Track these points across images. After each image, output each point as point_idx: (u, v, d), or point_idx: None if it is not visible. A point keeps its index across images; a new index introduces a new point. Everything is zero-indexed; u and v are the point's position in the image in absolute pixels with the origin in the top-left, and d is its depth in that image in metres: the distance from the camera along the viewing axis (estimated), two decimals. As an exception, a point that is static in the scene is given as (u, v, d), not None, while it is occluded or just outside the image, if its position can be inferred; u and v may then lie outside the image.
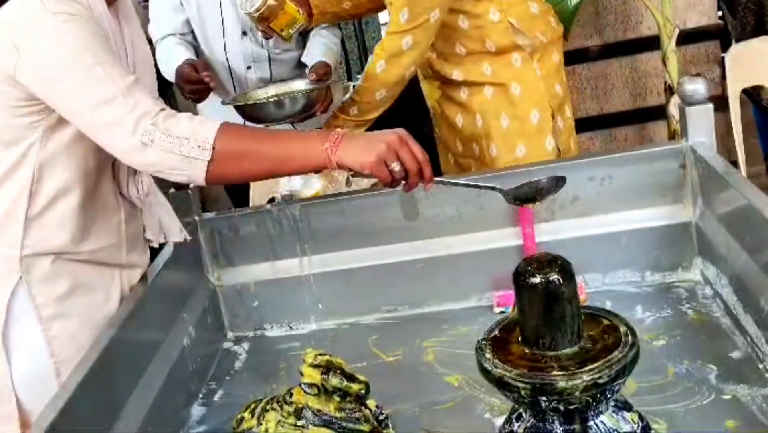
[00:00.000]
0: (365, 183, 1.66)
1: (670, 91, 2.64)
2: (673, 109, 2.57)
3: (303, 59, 2.20)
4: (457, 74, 1.89)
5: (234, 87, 2.22)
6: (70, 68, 1.14)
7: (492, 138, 1.89)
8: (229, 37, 2.17)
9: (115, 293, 1.35)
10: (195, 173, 1.17)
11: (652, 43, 2.81)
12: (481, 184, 1.27)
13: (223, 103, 2.02)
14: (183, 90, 2.08)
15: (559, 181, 1.25)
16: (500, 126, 1.88)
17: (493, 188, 1.24)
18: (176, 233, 1.46)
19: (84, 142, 1.22)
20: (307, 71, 2.08)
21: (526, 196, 1.25)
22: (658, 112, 2.92)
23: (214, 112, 2.18)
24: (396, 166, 1.15)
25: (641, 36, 2.98)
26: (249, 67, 2.20)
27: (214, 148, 1.15)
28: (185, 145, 1.15)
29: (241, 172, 1.21)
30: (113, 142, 1.17)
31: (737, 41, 2.54)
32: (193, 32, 2.20)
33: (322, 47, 2.17)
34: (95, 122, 1.16)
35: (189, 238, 1.47)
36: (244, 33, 2.16)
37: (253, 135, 1.27)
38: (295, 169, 1.22)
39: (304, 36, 2.23)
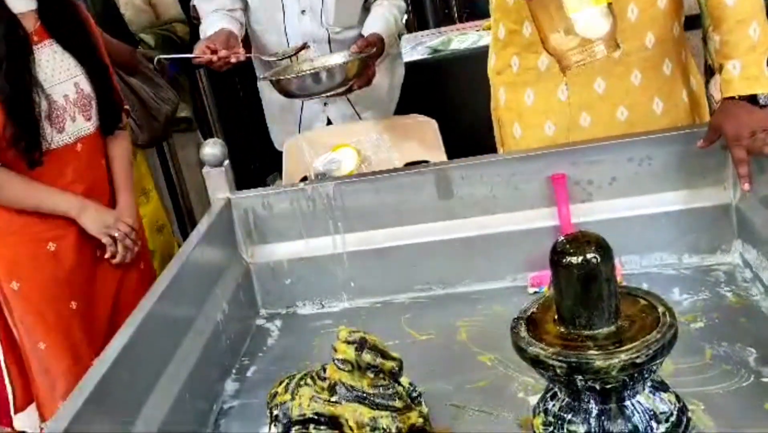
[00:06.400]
0: None
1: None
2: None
3: (363, 32, 2.14)
4: None
5: None
6: None
7: None
8: (288, 17, 2.14)
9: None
10: None
11: (693, 22, 2.74)
12: None
13: (261, 79, 2.00)
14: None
15: None
16: None
17: None
18: None
19: None
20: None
21: None
22: (698, 93, 2.85)
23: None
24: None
25: (682, 15, 2.91)
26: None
27: None
28: None
29: None
30: None
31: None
32: (243, 9, 2.15)
33: (378, 19, 2.12)
34: None
35: None
36: (303, 12, 2.14)
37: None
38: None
39: (367, 11, 2.19)
